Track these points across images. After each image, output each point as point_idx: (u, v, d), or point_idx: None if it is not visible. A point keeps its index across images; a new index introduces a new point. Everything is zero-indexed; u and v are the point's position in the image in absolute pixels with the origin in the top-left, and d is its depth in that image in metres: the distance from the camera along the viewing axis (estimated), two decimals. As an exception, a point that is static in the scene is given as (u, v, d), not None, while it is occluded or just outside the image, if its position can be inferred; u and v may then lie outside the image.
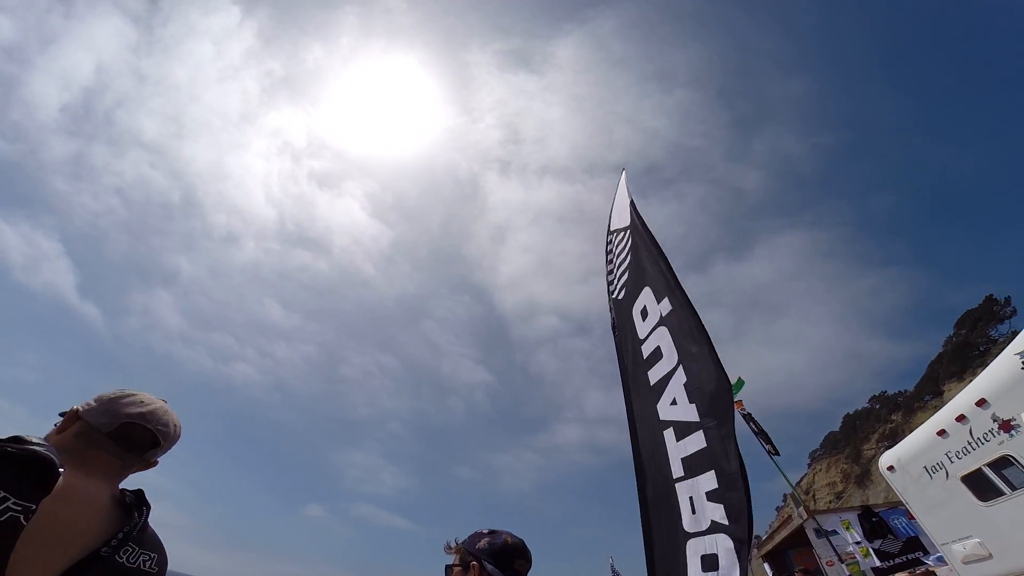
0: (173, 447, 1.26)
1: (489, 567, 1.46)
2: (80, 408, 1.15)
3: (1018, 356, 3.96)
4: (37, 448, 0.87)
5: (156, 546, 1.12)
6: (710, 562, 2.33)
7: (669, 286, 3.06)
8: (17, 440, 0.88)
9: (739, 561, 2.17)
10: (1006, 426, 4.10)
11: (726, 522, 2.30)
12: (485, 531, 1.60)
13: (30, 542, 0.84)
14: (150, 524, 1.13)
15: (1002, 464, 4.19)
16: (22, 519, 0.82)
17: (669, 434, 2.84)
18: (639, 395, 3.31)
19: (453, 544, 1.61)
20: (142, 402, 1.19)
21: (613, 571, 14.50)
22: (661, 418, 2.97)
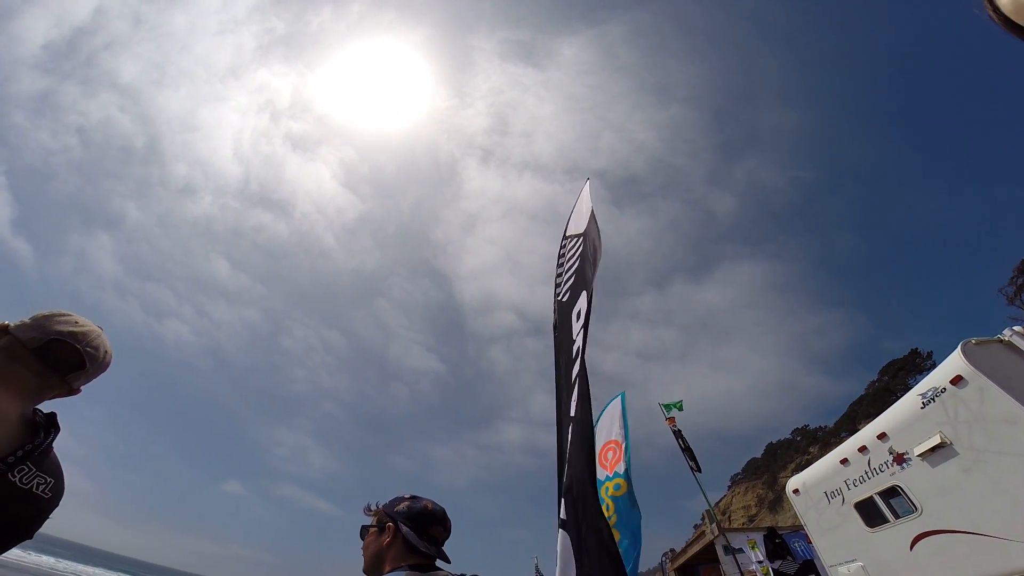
0: (99, 375, 1.21)
1: (405, 529, 1.46)
2: (10, 324, 1.10)
3: (920, 396, 4.27)
4: None
5: (55, 471, 1.07)
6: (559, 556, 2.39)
7: (591, 293, 3.24)
8: None
9: (564, 559, 2.23)
10: (900, 459, 4.42)
11: (564, 517, 2.38)
12: (407, 495, 1.60)
13: None
14: (54, 449, 1.08)
15: (891, 494, 4.51)
16: None
17: (572, 428, 2.96)
18: (565, 391, 3.42)
19: (373, 506, 1.61)
20: (76, 322, 1.14)
21: (538, 572, 14.68)
22: (570, 414, 3.09)
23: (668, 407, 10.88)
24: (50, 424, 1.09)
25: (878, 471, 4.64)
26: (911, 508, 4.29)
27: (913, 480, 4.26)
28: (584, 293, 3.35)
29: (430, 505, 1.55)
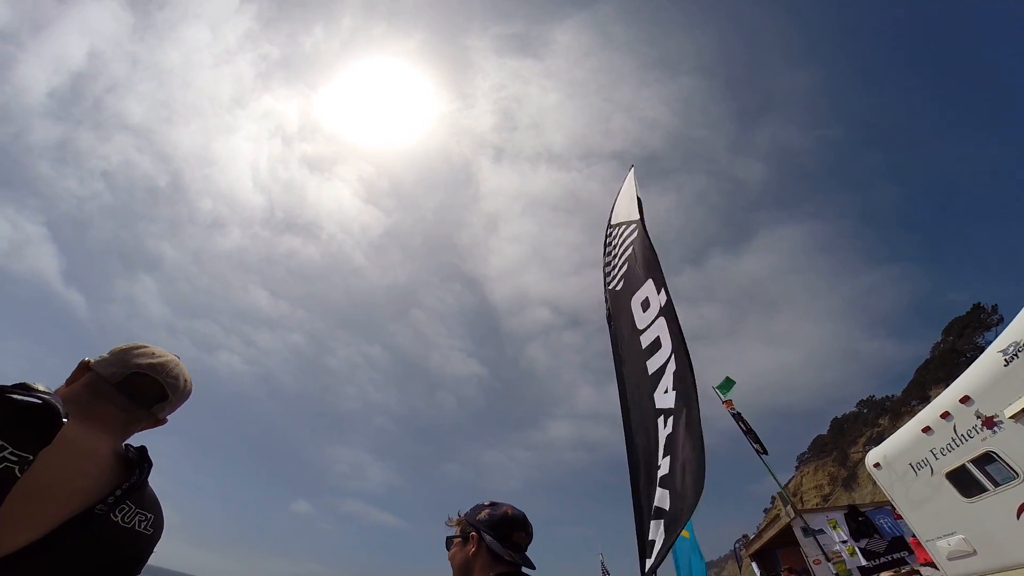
0: (182, 404, 1.23)
1: (488, 538, 1.46)
2: (91, 360, 1.11)
3: (1000, 354, 4.03)
4: (42, 396, 0.84)
5: (154, 506, 1.07)
6: (651, 547, 2.36)
7: (664, 278, 3.13)
8: (23, 387, 0.85)
9: (661, 552, 2.20)
10: (989, 422, 4.17)
11: (667, 508, 2.32)
12: (487, 502, 1.60)
13: (23, 495, 0.80)
14: (150, 483, 1.08)
15: (985, 460, 4.26)
16: (17, 471, 0.79)
17: (660, 421, 2.88)
18: (637, 385, 3.33)
19: (455, 516, 1.61)
20: (153, 354, 1.16)
21: (603, 570, 14.55)
22: (657, 406, 3.00)
23: (723, 388, 10.53)
24: (142, 458, 1.08)
25: (967, 437, 4.39)
26: (1011, 474, 4.03)
27: (1009, 444, 4.01)
28: (651, 281, 3.25)
29: (510, 511, 1.55)
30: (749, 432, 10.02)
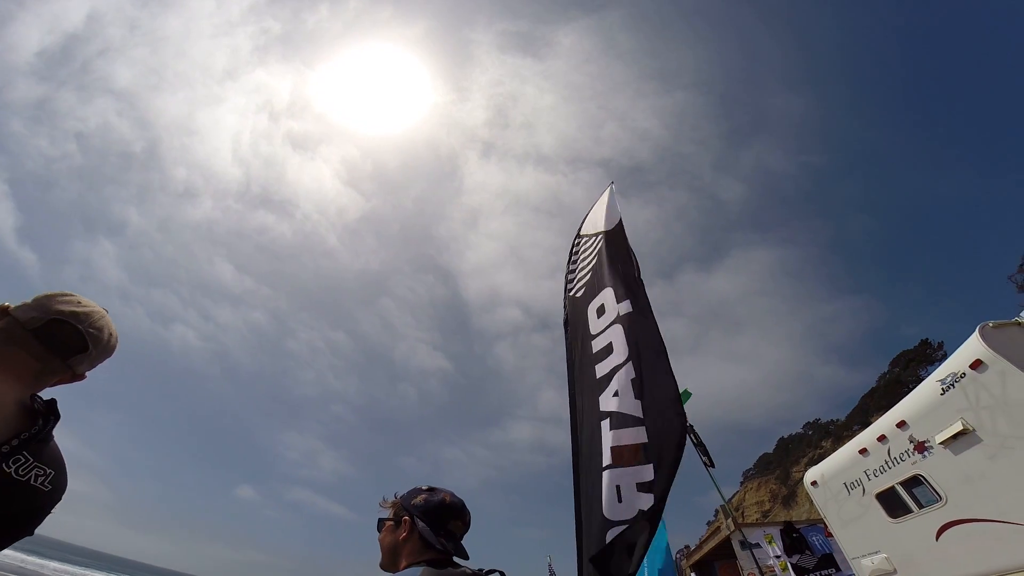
0: (104, 360, 1.15)
1: (420, 524, 1.41)
2: (10, 305, 1.04)
3: (939, 383, 4.20)
4: None
5: (55, 462, 0.99)
6: (630, 552, 2.37)
7: (633, 292, 3.23)
8: None
9: (639, 551, 2.28)
10: (920, 447, 4.35)
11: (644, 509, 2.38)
12: (424, 487, 1.55)
13: None
14: (55, 438, 1.00)
15: (913, 483, 4.44)
16: None
17: (605, 424, 2.89)
18: (583, 388, 3.41)
19: (390, 498, 1.56)
20: (79, 303, 1.08)
21: (551, 572, 14.61)
22: (601, 409, 3.03)
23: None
24: (50, 411, 1.02)
25: (899, 460, 4.57)
26: (935, 497, 4.22)
27: (936, 468, 4.19)
28: (609, 290, 3.34)
29: (448, 498, 1.50)
30: (699, 445, 10.26)
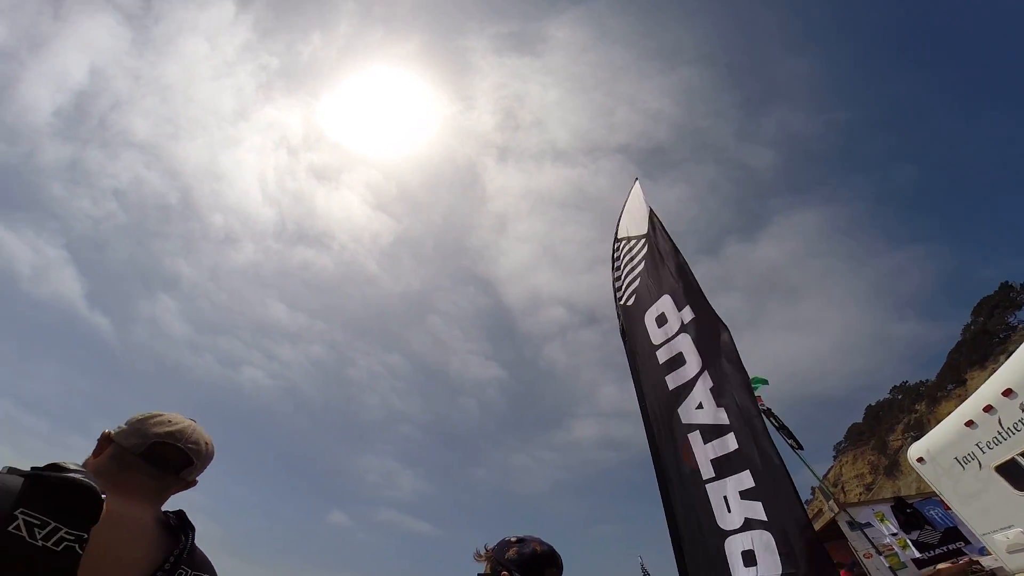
0: (208, 465, 1.27)
1: None
2: (111, 431, 1.15)
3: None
4: (76, 475, 0.86)
5: (206, 566, 1.12)
6: (749, 558, 2.37)
7: (693, 295, 3.14)
8: (55, 468, 0.87)
9: (779, 554, 2.22)
10: (1036, 414, 4.05)
11: (764, 518, 2.35)
12: (513, 539, 1.60)
13: (86, 573, 0.82)
14: (197, 544, 1.12)
15: (1035, 452, 4.13)
16: (78, 548, 0.81)
17: (695, 437, 2.88)
18: (656, 400, 3.31)
19: (483, 551, 1.62)
20: (170, 421, 1.19)
21: (644, 571, 14.20)
22: (684, 421, 3.00)
23: (752, 385, 10.26)
24: (183, 523, 1.11)
25: (1014, 430, 4.26)
26: (1063, 464, 3.91)
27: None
28: (667, 298, 3.26)
29: (538, 547, 1.56)
30: (782, 428, 9.78)
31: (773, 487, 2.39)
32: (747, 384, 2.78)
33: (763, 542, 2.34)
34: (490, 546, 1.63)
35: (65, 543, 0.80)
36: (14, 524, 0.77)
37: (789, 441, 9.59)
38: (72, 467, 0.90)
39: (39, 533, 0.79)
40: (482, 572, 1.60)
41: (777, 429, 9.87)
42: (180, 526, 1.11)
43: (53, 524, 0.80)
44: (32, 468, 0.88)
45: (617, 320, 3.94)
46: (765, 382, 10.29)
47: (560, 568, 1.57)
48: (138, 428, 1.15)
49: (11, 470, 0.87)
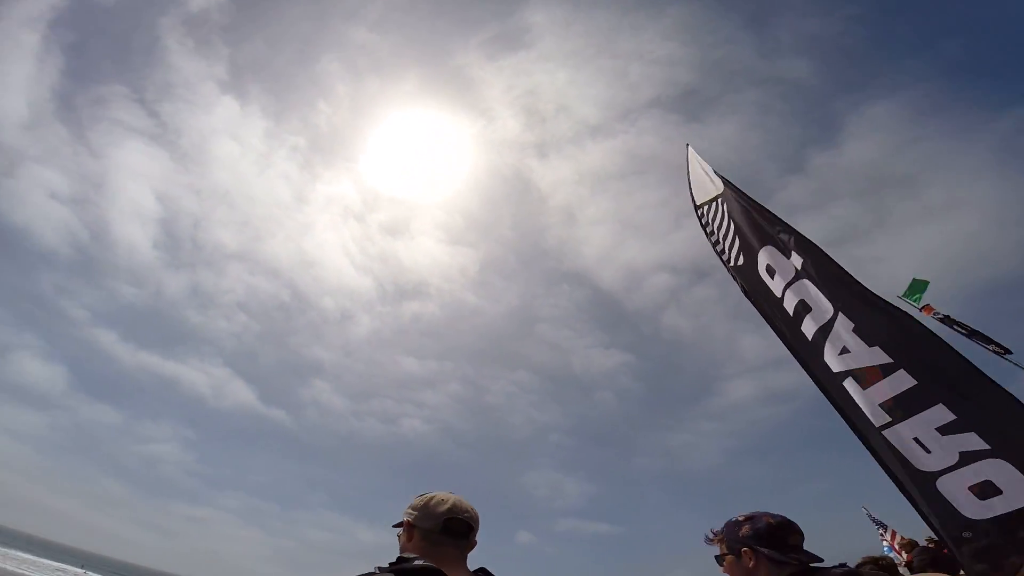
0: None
1: (764, 551, 1.50)
2: (410, 520, 1.43)
3: None
4: (424, 563, 1.21)
5: None
6: (986, 489, 2.05)
7: (794, 238, 2.97)
8: (404, 560, 1.22)
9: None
10: None
11: (986, 447, 2.01)
12: (740, 517, 1.62)
13: None
14: None
15: None
16: None
17: (850, 383, 2.63)
18: (803, 351, 3.11)
19: (711, 534, 1.67)
20: (444, 500, 1.44)
21: (874, 520, 12.44)
22: (835, 370, 2.76)
23: (912, 294, 8.60)
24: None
25: None
26: None
27: None
28: (769, 248, 3.12)
29: (771, 519, 1.56)
30: (974, 334, 8.14)
31: (984, 411, 2.06)
32: (892, 309, 2.49)
33: (998, 470, 2.00)
34: (716, 530, 1.67)
35: None
36: None
37: (989, 347, 7.93)
38: (411, 556, 1.27)
39: None
40: (718, 554, 1.64)
41: (968, 336, 8.25)
42: None
43: None
44: (390, 564, 1.23)
45: (735, 283, 3.85)
46: (925, 285, 8.70)
47: (802, 534, 1.57)
48: (427, 512, 1.41)
49: (382, 570, 1.21)
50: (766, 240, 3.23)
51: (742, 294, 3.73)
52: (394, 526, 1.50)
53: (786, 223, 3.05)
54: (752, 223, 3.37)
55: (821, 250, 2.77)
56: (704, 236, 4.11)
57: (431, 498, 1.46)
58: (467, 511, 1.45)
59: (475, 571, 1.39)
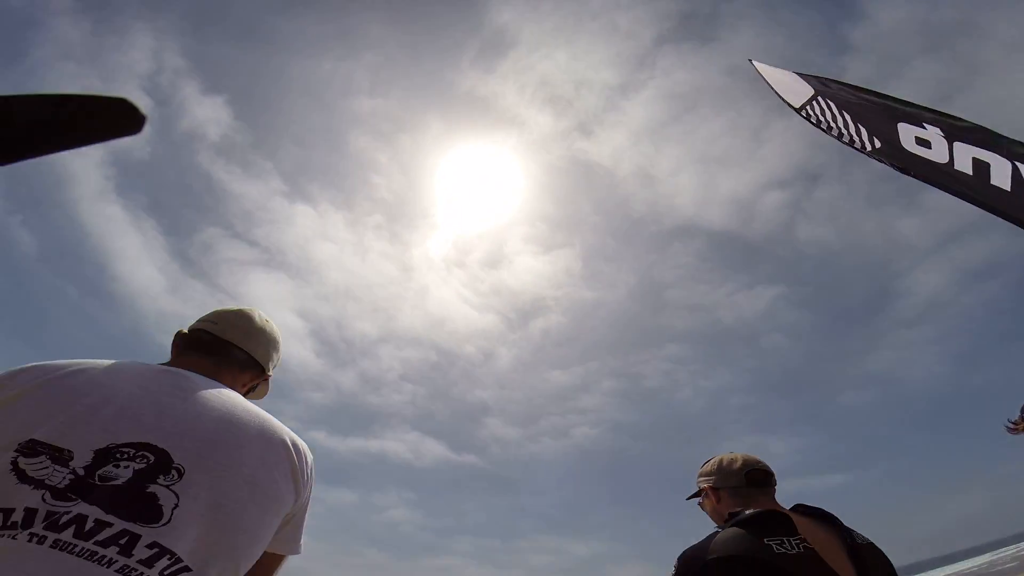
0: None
1: None
2: (710, 485, 1.46)
3: None
4: (754, 511, 1.22)
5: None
6: None
7: (917, 110, 2.88)
8: (735, 514, 1.24)
9: None
10: None
11: None
12: None
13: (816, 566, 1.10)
14: None
15: None
16: (803, 548, 1.11)
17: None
18: (1003, 205, 2.97)
19: (1010, 423, 1.70)
20: (733, 458, 1.48)
21: None
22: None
23: None
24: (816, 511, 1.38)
25: None
26: None
27: None
28: (904, 124, 2.96)
29: None
30: None
31: None
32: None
33: None
34: (1013, 418, 1.71)
35: (802, 546, 1.12)
36: (776, 541, 1.13)
37: None
38: (739, 509, 1.27)
39: (782, 547, 1.12)
40: None
41: None
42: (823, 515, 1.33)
43: (787, 539, 1.13)
44: (724, 523, 1.26)
45: (885, 166, 3.74)
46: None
47: None
48: (724, 472, 1.45)
49: (726, 524, 1.24)
50: (895, 118, 3.14)
51: (895, 172, 3.58)
52: (688, 498, 1.56)
53: (902, 99, 3.01)
54: (868, 106, 3.25)
55: (951, 115, 2.71)
56: (821, 133, 3.97)
57: (719, 460, 1.50)
58: (759, 461, 1.47)
59: (792, 507, 1.36)
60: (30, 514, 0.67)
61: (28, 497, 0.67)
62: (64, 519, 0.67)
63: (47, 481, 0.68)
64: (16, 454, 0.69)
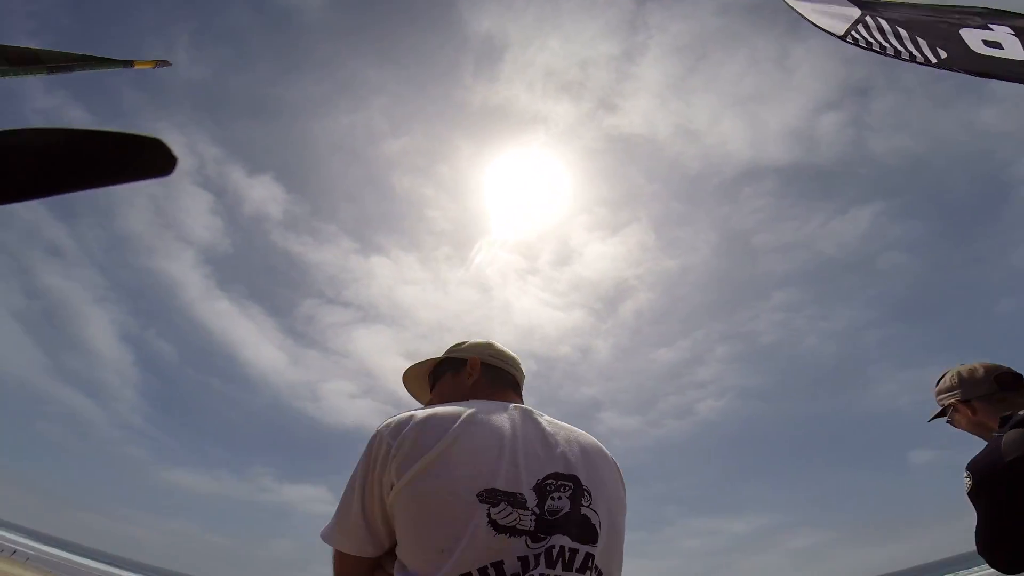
0: None
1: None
2: (958, 399, 1.42)
3: None
4: None
5: None
6: None
7: (978, 15, 2.81)
8: (1008, 417, 1.23)
9: None
10: None
11: None
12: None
13: None
14: None
15: None
16: None
17: None
18: None
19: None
20: (974, 368, 1.44)
21: None
22: None
23: None
24: None
25: None
26: None
27: None
28: (968, 29, 2.83)
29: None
30: None
31: None
32: None
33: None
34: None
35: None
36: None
37: None
38: (1011, 412, 1.26)
39: None
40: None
41: None
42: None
43: None
44: (999, 428, 1.24)
45: (952, 72, 3.69)
46: None
47: None
48: (970, 382, 1.41)
49: (1001, 428, 1.23)
50: (955, 24, 3.03)
51: (977, 76, 3.51)
52: (930, 420, 1.54)
53: (952, 4, 2.93)
54: (922, 18, 3.22)
55: (1011, 11, 2.66)
56: (847, 47, 3.86)
57: (956, 373, 1.47)
58: (1000, 365, 1.42)
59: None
60: (523, 561, 0.71)
61: (513, 546, 0.71)
62: (555, 554, 0.73)
63: (518, 527, 0.73)
64: (486, 506, 0.72)
